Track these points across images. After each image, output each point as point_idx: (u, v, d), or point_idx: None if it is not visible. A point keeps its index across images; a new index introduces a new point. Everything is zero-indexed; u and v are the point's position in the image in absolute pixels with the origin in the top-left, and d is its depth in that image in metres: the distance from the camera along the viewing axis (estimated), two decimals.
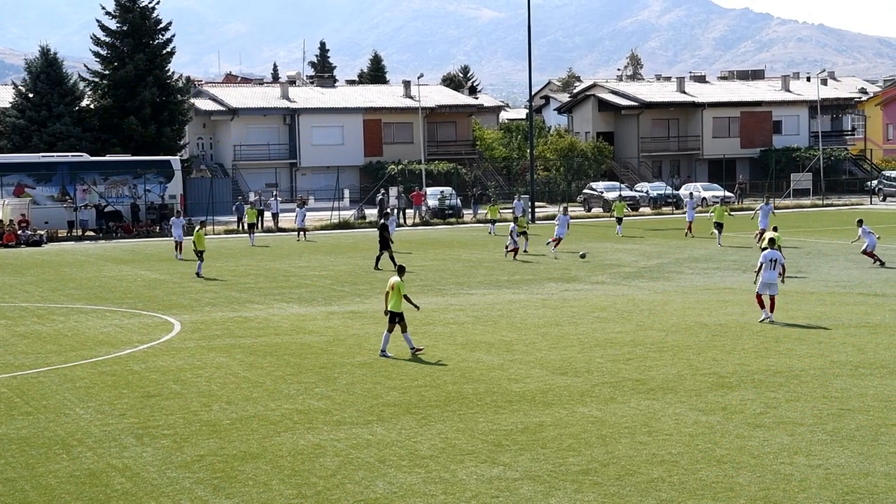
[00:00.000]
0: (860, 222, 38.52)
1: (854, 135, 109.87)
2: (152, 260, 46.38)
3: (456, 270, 39.62)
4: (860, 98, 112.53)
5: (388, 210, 52.68)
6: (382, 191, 70.75)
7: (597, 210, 73.97)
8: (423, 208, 68.14)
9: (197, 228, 41.23)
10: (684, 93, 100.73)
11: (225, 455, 15.39)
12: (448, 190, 72.42)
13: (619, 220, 54.72)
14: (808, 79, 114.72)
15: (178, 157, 69.29)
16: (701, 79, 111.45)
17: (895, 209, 72.95)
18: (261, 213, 64.47)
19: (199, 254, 39.56)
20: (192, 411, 18.03)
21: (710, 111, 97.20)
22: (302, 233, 56.50)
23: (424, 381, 20.05)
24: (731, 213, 48.62)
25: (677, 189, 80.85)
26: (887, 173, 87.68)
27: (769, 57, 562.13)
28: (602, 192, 76.33)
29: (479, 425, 16.74)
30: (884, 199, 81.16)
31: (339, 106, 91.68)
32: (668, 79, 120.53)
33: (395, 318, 22.27)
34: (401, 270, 22.96)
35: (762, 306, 25.84)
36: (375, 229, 45.36)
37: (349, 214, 67.95)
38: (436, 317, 28.12)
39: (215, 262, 43.75)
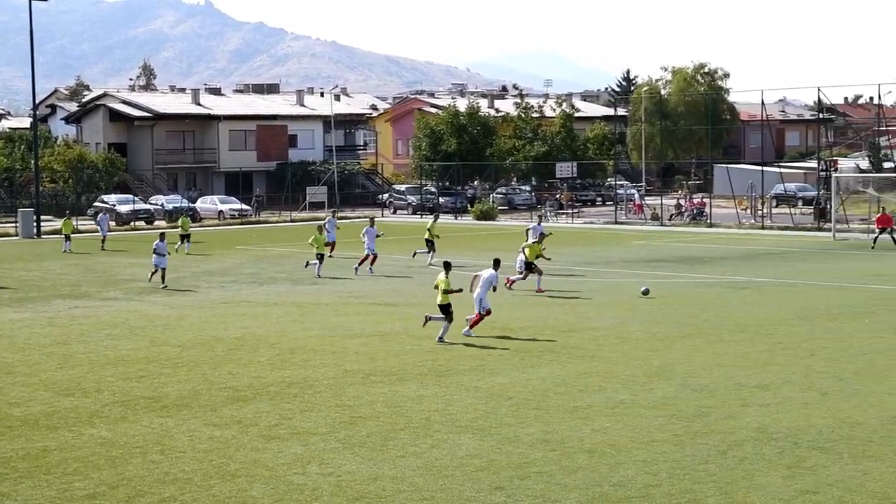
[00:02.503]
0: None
1: (366, 149, 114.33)
2: None
3: None
4: (371, 114, 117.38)
5: None
6: None
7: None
8: None
9: None
10: (200, 105, 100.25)
11: None
12: None
13: (185, 238, 50.28)
14: (322, 94, 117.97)
15: None
16: (217, 91, 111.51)
17: (404, 221, 76.42)
18: None
19: None
20: None
21: (226, 124, 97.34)
22: None
23: None
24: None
25: (194, 202, 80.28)
26: (397, 187, 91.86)
27: (285, 71, 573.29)
28: (115, 205, 74.19)
29: None
30: (394, 212, 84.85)
31: None
32: (183, 90, 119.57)
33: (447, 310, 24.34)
34: (447, 266, 25.06)
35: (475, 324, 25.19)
36: None
37: None
38: None
39: None
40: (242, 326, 27.21)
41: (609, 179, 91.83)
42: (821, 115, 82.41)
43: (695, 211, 70.83)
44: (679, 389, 19.21)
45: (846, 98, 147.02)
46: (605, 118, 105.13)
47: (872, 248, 48.28)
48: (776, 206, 73.05)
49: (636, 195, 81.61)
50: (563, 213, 77.93)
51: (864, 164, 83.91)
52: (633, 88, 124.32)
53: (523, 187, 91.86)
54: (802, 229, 61.56)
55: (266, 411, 17.89)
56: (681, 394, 18.86)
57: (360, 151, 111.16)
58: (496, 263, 26.03)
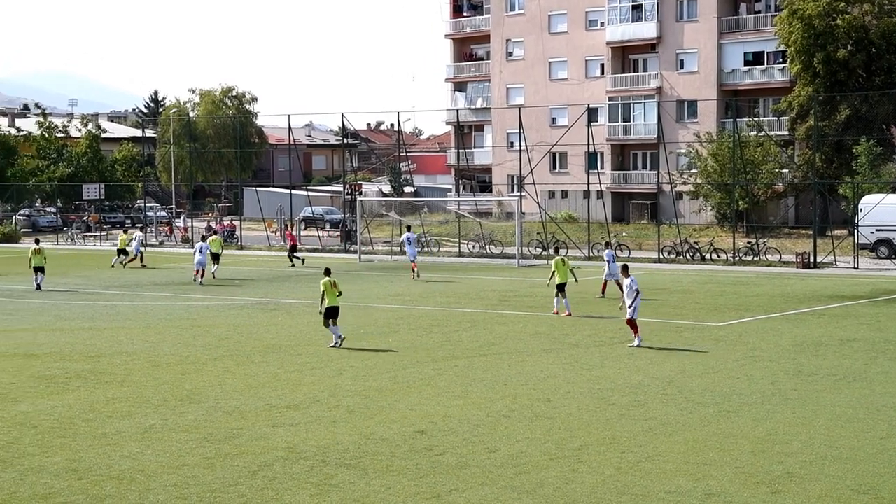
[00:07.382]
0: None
1: None
2: None
3: None
4: None
5: None
6: None
7: None
8: None
9: None
10: None
11: None
12: None
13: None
14: None
15: None
16: None
17: None
18: None
19: None
20: None
21: None
22: None
23: None
24: None
25: None
26: None
27: None
28: None
29: None
30: None
31: None
32: None
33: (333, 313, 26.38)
34: (327, 271, 27.32)
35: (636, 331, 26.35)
36: None
37: None
38: None
39: None
40: None
41: (138, 201, 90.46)
42: (345, 140, 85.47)
43: (226, 233, 71.12)
44: (210, 412, 19.21)
45: (368, 124, 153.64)
46: (134, 139, 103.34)
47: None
48: (305, 229, 74.87)
49: (181, 218, 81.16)
50: (91, 236, 75.80)
51: (387, 188, 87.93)
52: (161, 110, 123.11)
53: (48, 209, 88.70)
54: (330, 251, 63.46)
55: None
56: (212, 416, 18.87)
57: None
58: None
